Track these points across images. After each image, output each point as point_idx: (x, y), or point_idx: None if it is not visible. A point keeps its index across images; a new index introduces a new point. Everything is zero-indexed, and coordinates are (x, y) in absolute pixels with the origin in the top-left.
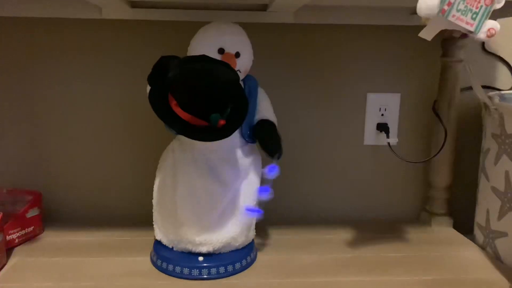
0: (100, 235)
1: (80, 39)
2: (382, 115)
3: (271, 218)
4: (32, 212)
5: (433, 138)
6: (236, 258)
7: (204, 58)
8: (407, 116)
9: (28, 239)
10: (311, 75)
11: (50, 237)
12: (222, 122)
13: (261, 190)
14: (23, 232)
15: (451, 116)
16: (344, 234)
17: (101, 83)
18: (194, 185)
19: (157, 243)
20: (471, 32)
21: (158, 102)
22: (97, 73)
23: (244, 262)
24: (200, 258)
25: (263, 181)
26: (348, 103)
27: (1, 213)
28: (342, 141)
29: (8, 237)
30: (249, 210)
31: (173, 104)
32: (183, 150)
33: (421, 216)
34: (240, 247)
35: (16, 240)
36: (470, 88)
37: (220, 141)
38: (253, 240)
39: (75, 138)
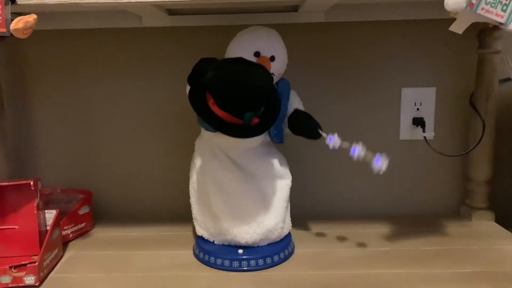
0: (145, 230)
1: (123, 46)
2: (418, 109)
3: (309, 212)
4: (84, 210)
5: (471, 131)
6: (275, 251)
7: (240, 60)
8: (443, 110)
9: (80, 234)
10: (345, 73)
11: (100, 233)
12: (255, 120)
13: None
14: (76, 228)
15: (489, 108)
16: (382, 229)
17: (144, 86)
18: (220, 177)
19: (199, 236)
20: (501, 24)
21: (196, 100)
22: (141, 78)
23: (282, 255)
24: (240, 251)
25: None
26: (382, 99)
27: (58, 210)
28: (378, 136)
29: (63, 232)
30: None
31: (211, 102)
32: (204, 147)
33: (461, 210)
34: (278, 239)
35: (71, 235)
36: (509, 79)
37: (238, 140)
38: (290, 233)
39: (120, 140)
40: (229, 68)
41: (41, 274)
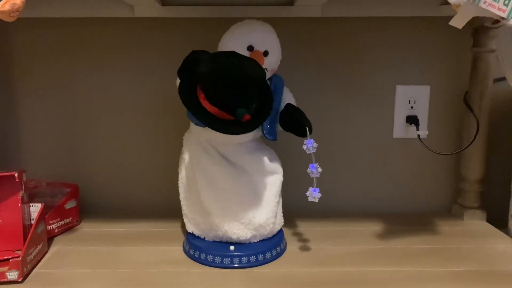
0: (134, 226)
1: (114, 37)
2: (412, 107)
3: (300, 210)
4: (70, 204)
5: (465, 130)
6: (266, 248)
7: (233, 54)
8: (437, 108)
9: (66, 229)
10: (339, 68)
11: (87, 228)
12: (247, 117)
13: (313, 191)
14: (62, 222)
15: (483, 107)
16: (374, 226)
17: (134, 78)
18: (210, 172)
19: (189, 233)
20: (503, 18)
21: (186, 95)
22: (130, 70)
23: (274, 252)
24: (232, 247)
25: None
26: (376, 96)
27: (43, 204)
28: (371, 134)
29: (48, 227)
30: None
31: (201, 97)
32: (193, 141)
33: (453, 209)
34: (270, 235)
35: (56, 230)
36: (503, 78)
37: (228, 136)
38: (282, 230)
39: (109, 133)
40: (221, 62)
41: (25, 269)
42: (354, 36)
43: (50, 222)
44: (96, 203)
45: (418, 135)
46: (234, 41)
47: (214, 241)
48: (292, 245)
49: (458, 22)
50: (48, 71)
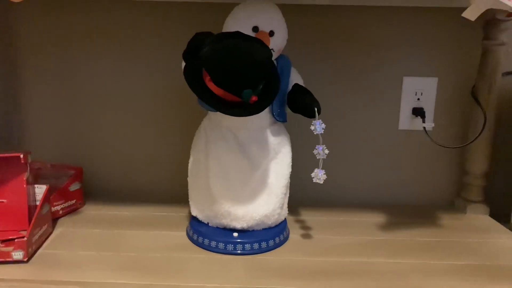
0: (138, 210)
1: (116, 19)
2: (418, 99)
3: (304, 199)
4: (74, 186)
5: (471, 123)
6: (270, 236)
7: (238, 34)
8: (444, 101)
9: (70, 211)
10: (346, 58)
11: (91, 211)
12: (254, 98)
13: (319, 172)
14: (66, 204)
15: (490, 101)
16: (377, 218)
17: (137, 62)
18: (225, 160)
19: (193, 218)
20: None
21: (192, 78)
22: (133, 53)
23: (277, 239)
24: (235, 234)
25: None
26: (383, 86)
27: (48, 185)
28: (376, 125)
29: (53, 209)
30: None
31: (207, 79)
32: (212, 127)
33: (456, 202)
34: (273, 225)
35: (60, 212)
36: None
37: (247, 119)
38: (285, 219)
39: (115, 116)
40: (226, 43)
41: (30, 249)
42: (362, 27)
43: (55, 204)
44: (100, 186)
45: (424, 128)
46: (239, 22)
47: (217, 227)
48: (295, 233)
49: (471, 14)
50: (55, 56)
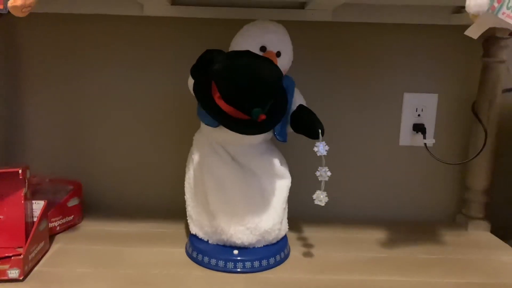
0: (136, 226)
1: (122, 35)
2: (419, 115)
3: (305, 215)
4: (73, 202)
5: (472, 139)
6: (270, 253)
7: (248, 53)
8: (444, 117)
9: (68, 227)
10: (347, 74)
11: (89, 226)
12: (262, 116)
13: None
14: (64, 220)
15: (491, 117)
16: (378, 234)
17: (141, 77)
18: (220, 174)
19: (193, 235)
20: None
21: (202, 94)
22: (137, 68)
23: (278, 257)
24: (235, 252)
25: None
26: (384, 102)
27: (46, 201)
28: (377, 141)
29: (50, 225)
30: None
31: (216, 96)
32: (204, 142)
33: (457, 219)
34: (274, 241)
35: (58, 228)
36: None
37: (242, 136)
38: (286, 236)
39: (115, 131)
40: (238, 62)
41: (26, 267)
42: (363, 42)
43: (52, 219)
44: (98, 201)
45: (425, 144)
46: (247, 41)
47: (217, 245)
48: (296, 250)
49: (474, 32)
50: (54, 68)
